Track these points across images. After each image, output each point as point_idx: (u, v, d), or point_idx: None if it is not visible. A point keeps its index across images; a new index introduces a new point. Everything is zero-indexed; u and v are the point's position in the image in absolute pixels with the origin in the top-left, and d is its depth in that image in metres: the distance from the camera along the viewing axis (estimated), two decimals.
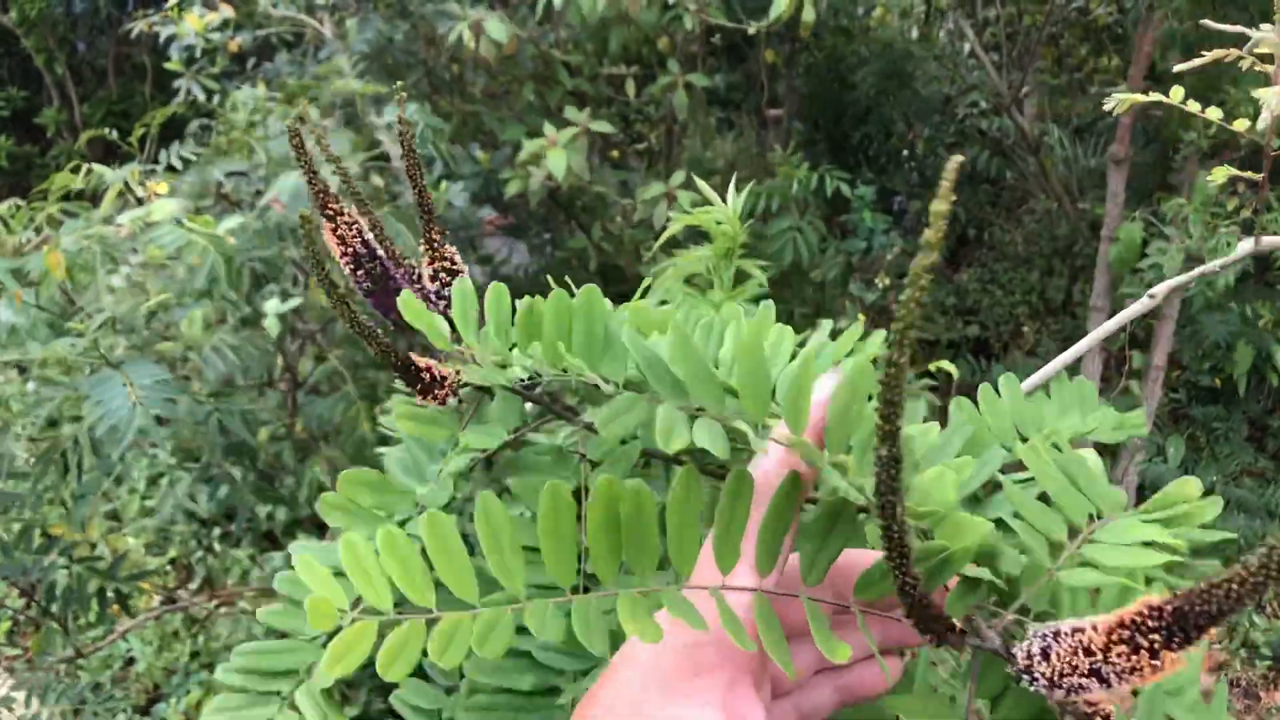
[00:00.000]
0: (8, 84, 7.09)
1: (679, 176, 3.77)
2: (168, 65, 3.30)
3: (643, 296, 1.66)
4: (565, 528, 0.55)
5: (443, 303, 0.71)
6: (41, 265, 1.80)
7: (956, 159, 0.40)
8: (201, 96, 3.44)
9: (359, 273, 0.69)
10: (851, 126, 6.23)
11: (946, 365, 2.60)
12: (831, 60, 6.13)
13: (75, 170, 2.09)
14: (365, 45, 3.39)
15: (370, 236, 0.69)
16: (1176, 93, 1.23)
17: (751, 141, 7.26)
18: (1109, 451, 4.11)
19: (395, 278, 0.70)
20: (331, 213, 0.67)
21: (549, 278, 0.86)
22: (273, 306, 1.88)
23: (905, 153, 6.41)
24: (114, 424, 1.40)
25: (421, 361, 0.65)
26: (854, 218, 4.11)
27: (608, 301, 0.71)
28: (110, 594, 1.99)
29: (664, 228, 3.68)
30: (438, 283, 0.71)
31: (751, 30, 3.58)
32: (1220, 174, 3.31)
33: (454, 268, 0.71)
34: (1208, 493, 0.57)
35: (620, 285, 4.67)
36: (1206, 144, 3.41)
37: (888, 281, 3.95)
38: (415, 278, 0.72)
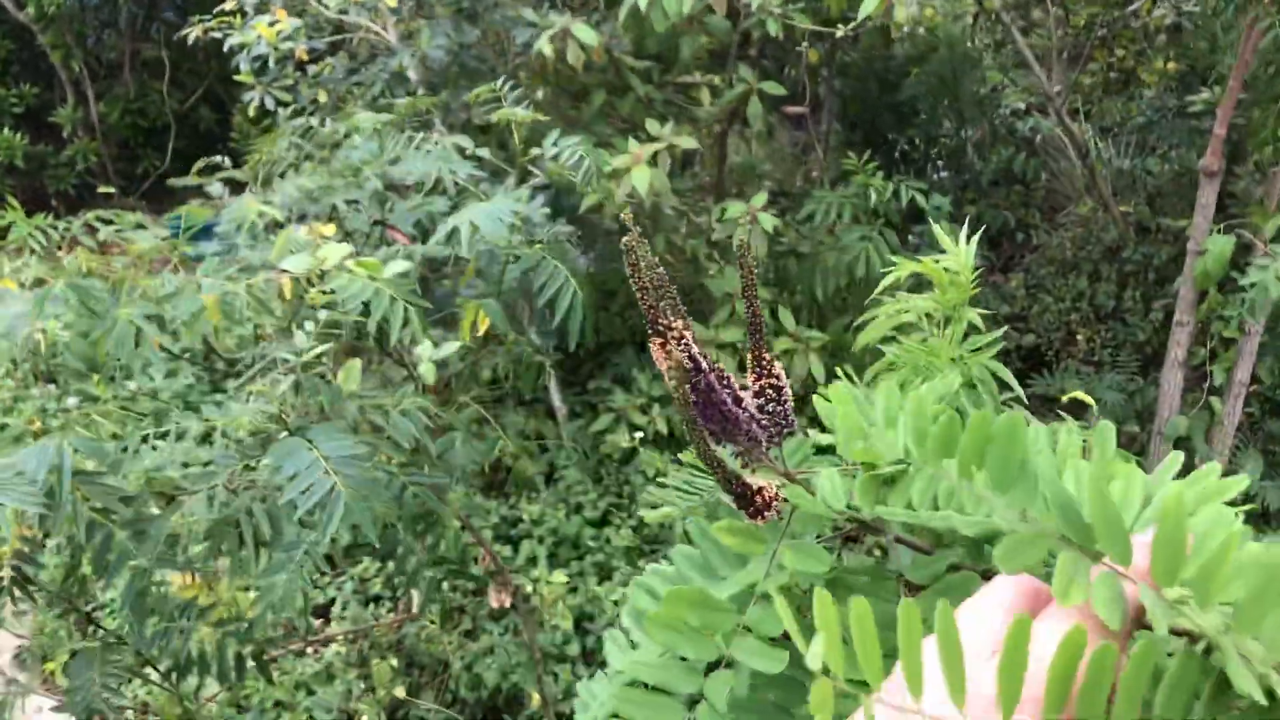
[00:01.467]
0: (20, 81, 6.87)
1: (761, 198, 3.64)
2: (238, 77, 3.14)
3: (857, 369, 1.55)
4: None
5: (764, 419, 0.71)
6: (186, 310, 1.66)
7: None
8: (271, 105, 3.29)
9: (686, 388, 0.67)
10: (890, 128, 6.12)
11: (1083, 396, 2.49)
12: (869, 60, 6.01)
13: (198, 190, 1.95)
14: (441, 52, 3.25)
15: (696, 351, 0.69)
16: None
17: (783, 142, 7.16)
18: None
19: (718, 391, 0.69)
20: (663, 328, 0.67)
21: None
22: (426, 351, 1.75)
23: (938, 156, 6.32)
24: (319, 503, 1.27)
25: (755, 483, 0.67)
26: (928, 229, 3.99)
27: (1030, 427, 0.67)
28: (249, 658, 1.86)
29: (731, 244, 3.53)
30: (763, 399, 0.71)
31: (840, 33, 3.46)
32: None
33: (779, 384, 0.72)
34: None
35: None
36: None
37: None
38: (736, 394, 0.71)
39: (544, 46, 3.14)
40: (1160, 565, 0.46)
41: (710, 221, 3.93)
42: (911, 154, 6.11)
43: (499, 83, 2.03)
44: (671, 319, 0.68)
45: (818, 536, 0.73)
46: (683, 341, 0.68)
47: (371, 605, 3.37)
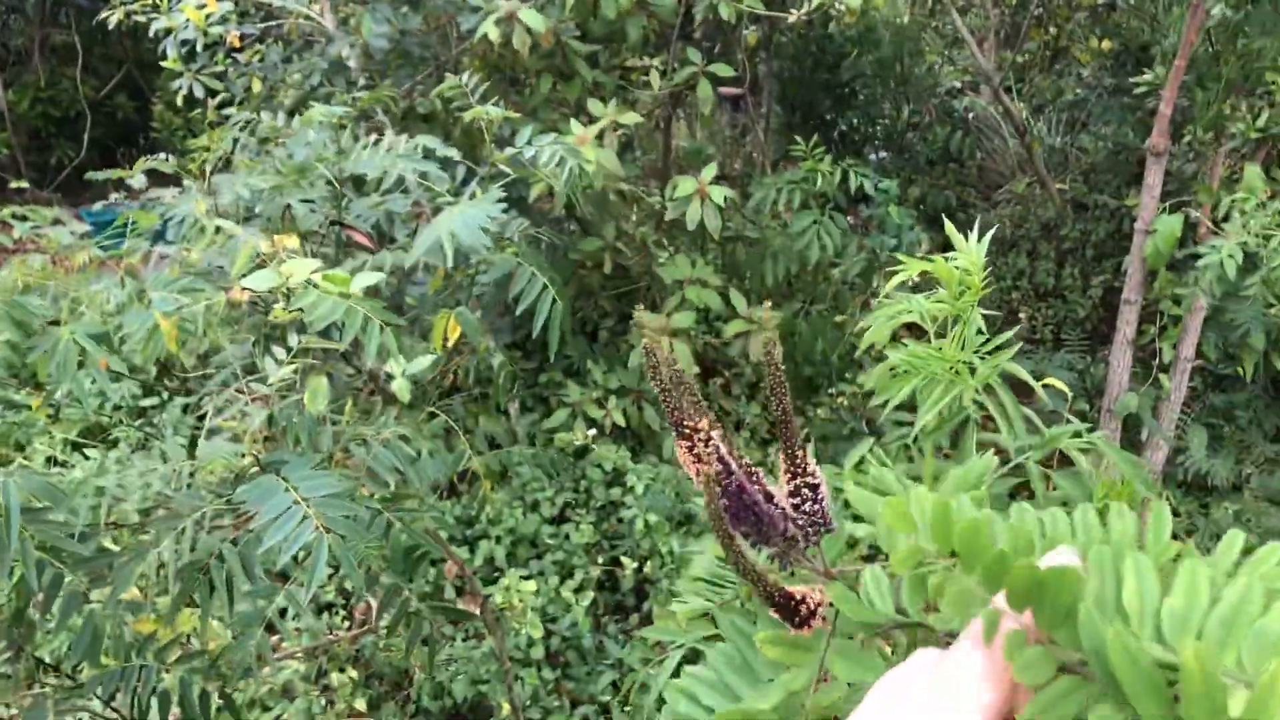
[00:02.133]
0: None
1: (710, 170, 3.57)
2: (165, 63, 2.97)
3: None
4: None
5: (801, 519, 0.69)
6: (137, 329, 1.54)
7: None
8: (200, 94, 3.12)
9: (717, 491, 0.66)
10: (829, 109, 6.09)
11: (1056, 384, 2.47)
12: (806, 41, 5.97)
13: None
14: (383, 40, 3.11)
15: (725, 451, 0.67)
16: None
17: (723, 124, 7.10)
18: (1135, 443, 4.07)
19: (749, 492, 0.67)
20: (688, 430, 0.66)
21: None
22: (398, 367, 1.65)
23: (875, 137, 6.32)
24: (304, 548, 1.17)
25: (798, 592, 0.64)
26: (879, 212, 3.96)
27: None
28: (215, 696, 1.76)
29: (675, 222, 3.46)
30: (798, 499, 0.68)
31: (792, 19, 3.39)
32: (1253, 173, 3.21)
33: (814, 483, 0.69)
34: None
35: (625, 283, 4.48)
36: (1255, 135, 3.35)
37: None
38: (767, 491, 0.69)
39: (489, 31, 3.02)
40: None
41: (659, 207, 3.85)
42: (851, 135, 6.10)
43: (464, 77, 1.92)
44: (696, 419, 0.66)
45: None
46: (710, 442, 0.66)
47: (325, 614, 3.26)
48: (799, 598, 0.64)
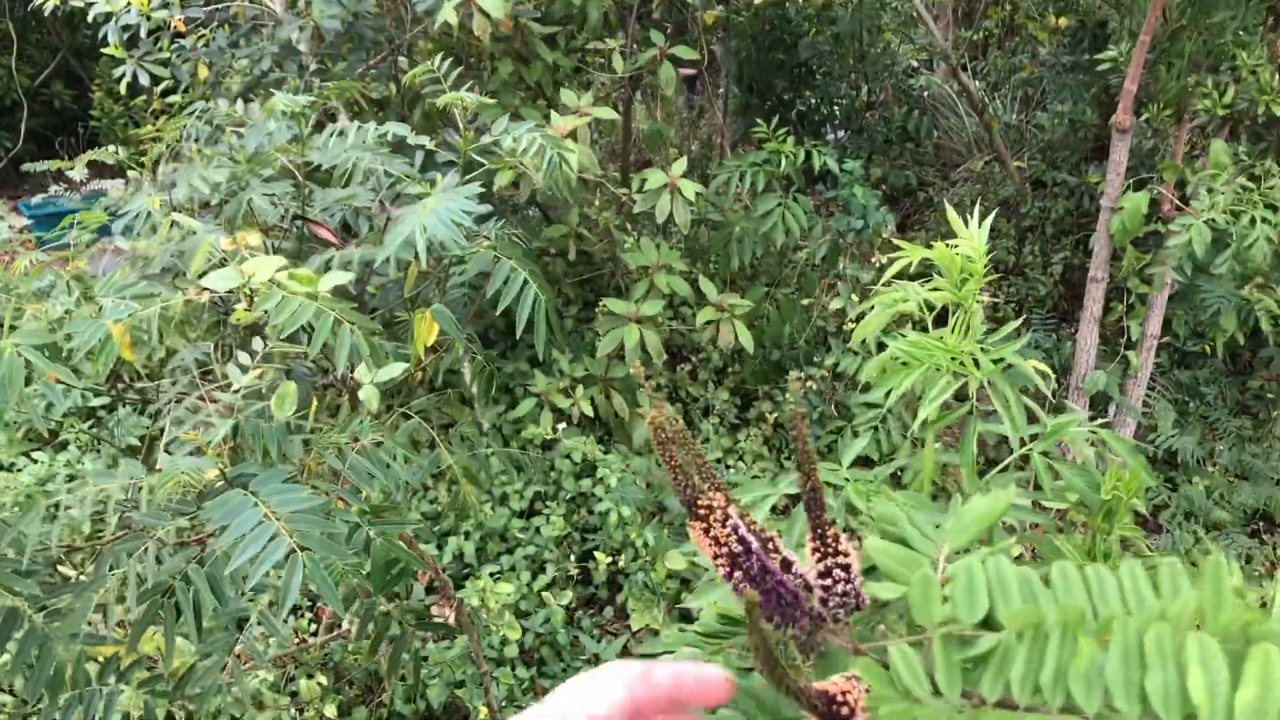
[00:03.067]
0: None
1: (680, 166, 3.50)
2: (108, 50, 2.83)
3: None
4: None
5: (833, 600, 0.64)
6: (88, 339, 1.44)
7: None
8: (145, 81, 2.99)
9: (735, 574, 0.62)
10: (787, 89, 6.04)
11: (1041, 367, 2.44)
12: (764, 21, 5.90)
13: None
14: (335, 23, 3.00)
15: (745, 530, 0.62)
16: None
17: (680, 105, 7.02)
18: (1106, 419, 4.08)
19: (774, 573, 0.63)
20: (703, 512, 0.62)
21: None
22: (368, 373, 1.56)
23: (833, 117, 6.28)
24: (275, 567, 1.09)
25: (835, 689, 0.58)
26: (842, 193, 3.92)
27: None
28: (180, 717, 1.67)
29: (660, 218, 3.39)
30: (829, 580, 0.64)
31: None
32: (1220, 149, 3.21)
33: (847, 563, 0.64)
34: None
35: (588, 270, 4.40)
36: (1222, 112, 3.34)
37: (884, 260, 3.78)
38: (785, 561, 0.65)
39: (448, 16, 2.92)
40: None
41: (622, 191, 3.77)
42: (809, 115, 6.05)
43: (436, 60, 1.83)
44: (711, 495, 0.62)
45: None
46: (728, 522, 0.62)
47: (292, 618, 3.16)
48: (839, 698, 0.59)
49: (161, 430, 1.40)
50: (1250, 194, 3.17)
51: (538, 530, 3.47)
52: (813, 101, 6.04)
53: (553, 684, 3.10)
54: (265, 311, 1.33)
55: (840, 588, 0.64)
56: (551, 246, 3.97)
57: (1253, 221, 3.19)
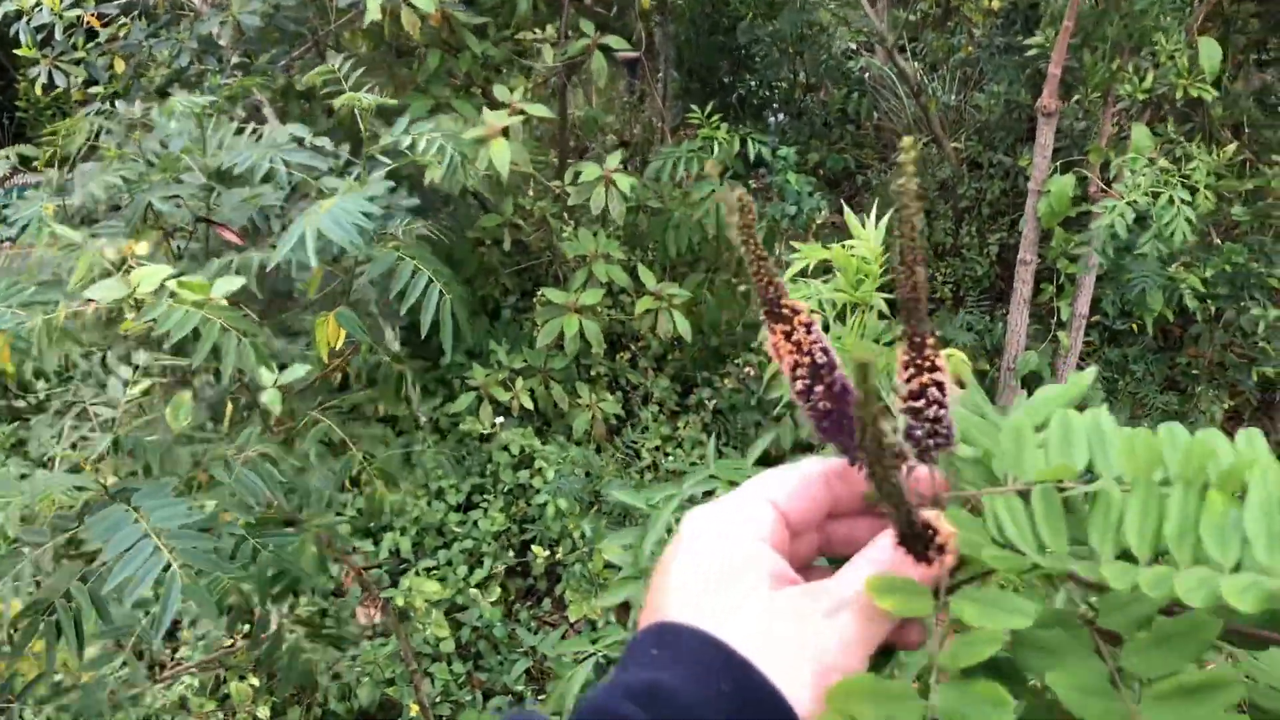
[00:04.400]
0: None
1: (615, 158, 3.49)
2: (20, 51, 2.77)
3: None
4: None
5: (920, 428, 0.54)
6: None
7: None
8: (61, 82, 2.93)
9: (815, 389, 0.54)
10: (727, 73, 6.04)
11: (958, 354, 2.47)
12: (703, 4, 5.90)
13: None
14: (256, 18, 2.95)
15: (829, 343, 0.54)
16: None
17: (621, 90, 7.00)
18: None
19: (854, 394, 0.51)
20: (785, 312, 0.53)
21: None
22: (269, 377, 1.55)
23: (773, 101, 6.29)
24: (153, 583, 1.08)
25: (932, 518, 0.51)
26: (776, 179, 3.93)
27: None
28: None
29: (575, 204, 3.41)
30: (920, 401, 0.53)
31: None
32: (1141, 132, 3.25)
33: (941, 382, 0.53)
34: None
35: (526, 259, 4.38)
36: (1142, 96, 3.39)
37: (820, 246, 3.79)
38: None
39: (374, 14, 2.87)
40: None
41: (557, 181, 3.75)
42: (750, 99, 6.06)
43: (338, 61, 1.81)
44: (791, 301, 0.53)
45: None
46: (811, 328, 0.53)
47: (223, 617, 3.13)
48: (934, 527, 0.51)
49: (23, 441, 1.38)
50: (1170, 175, 3.23)
51: (475, 524, 3.46)
52: (752, 85, 6.05)
53: (489, 678, 3.10)
54: (150, 321, 1.31)
55: (933, 412, 0.54)
56: (487, 237, 3.94)
57: (1171, 201, 3.24)
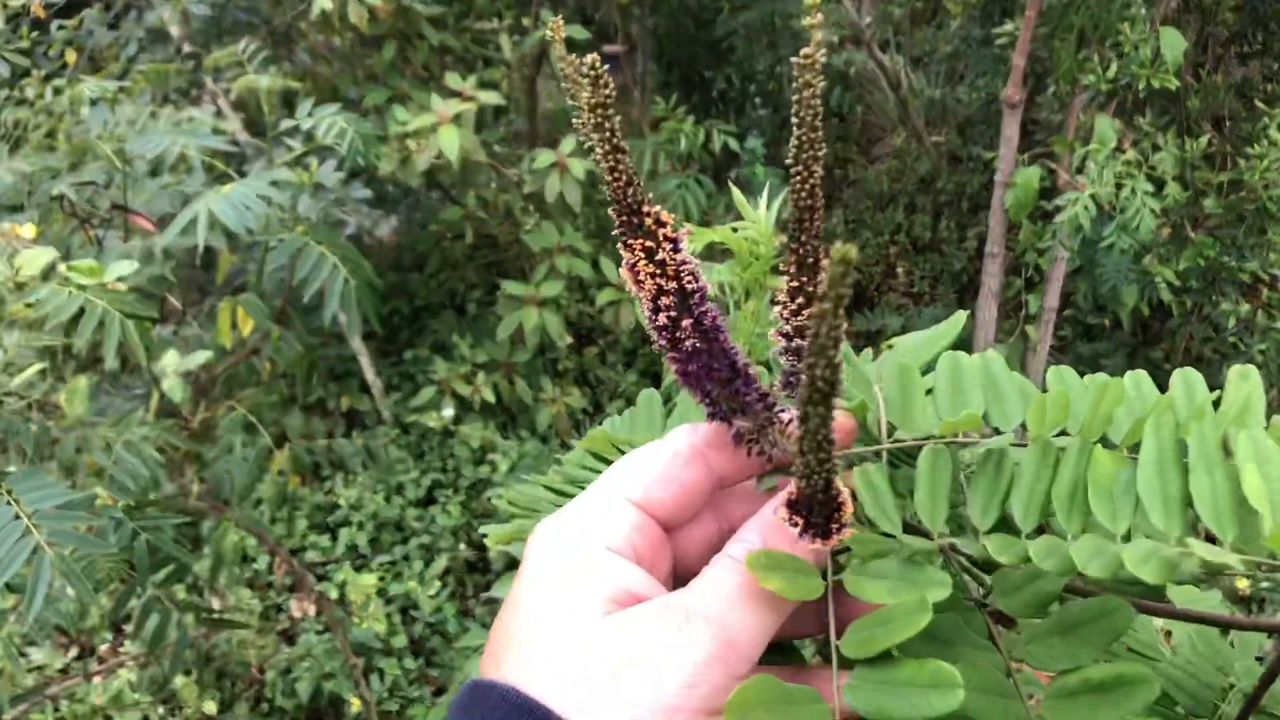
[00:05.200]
0: None
1: (569, 143, 3.46)
2: None
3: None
4: None
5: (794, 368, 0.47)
6: None
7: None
8: (4, 73, 2.89)
9: (683, 323, 0.44)
10: (707, 66, 6.01)
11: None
12: None
13: None
14: (205, 7, 2.92)
15: (699, 267, 0.45)
16: None
17: None
18: None
19: (723, 332, 0.46)
20: (647, 224, 0.44)
21: None
22: (172, 362, 1.52)
23: (757, 97, 6.26)
24: (24, 564, 1.05)
25: (840, 488, 0.43)
26: (744, 172, 3.90)
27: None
28: None
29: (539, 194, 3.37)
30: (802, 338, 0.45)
31: None
32: (1105, 123, 3.22)
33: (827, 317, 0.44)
34: None
35: (492, 253, 4.35)
36: (1106, 87, 3.36)
37: (784, 238, 3.76)
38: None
39: (324, 3, 2.84)
40: None
41: (513, 172, 3.72)
42: (730, 92, 6.03)
43: (241, 45, 1.78)
44: (654, 209, 0.44)
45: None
46: (678, 246, 0.44)
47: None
48: (839, 495, 0.42)
49: None
50: (1132, 167, 3.19)
51: (434, 519, 3.43)
52: (731, 78, 6.02)
53: (442, 674, 3.07)
54: (29, 305, 1.28)
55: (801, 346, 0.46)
56: (449, 230, 3.91)
57: (1133, 193, 3.21)
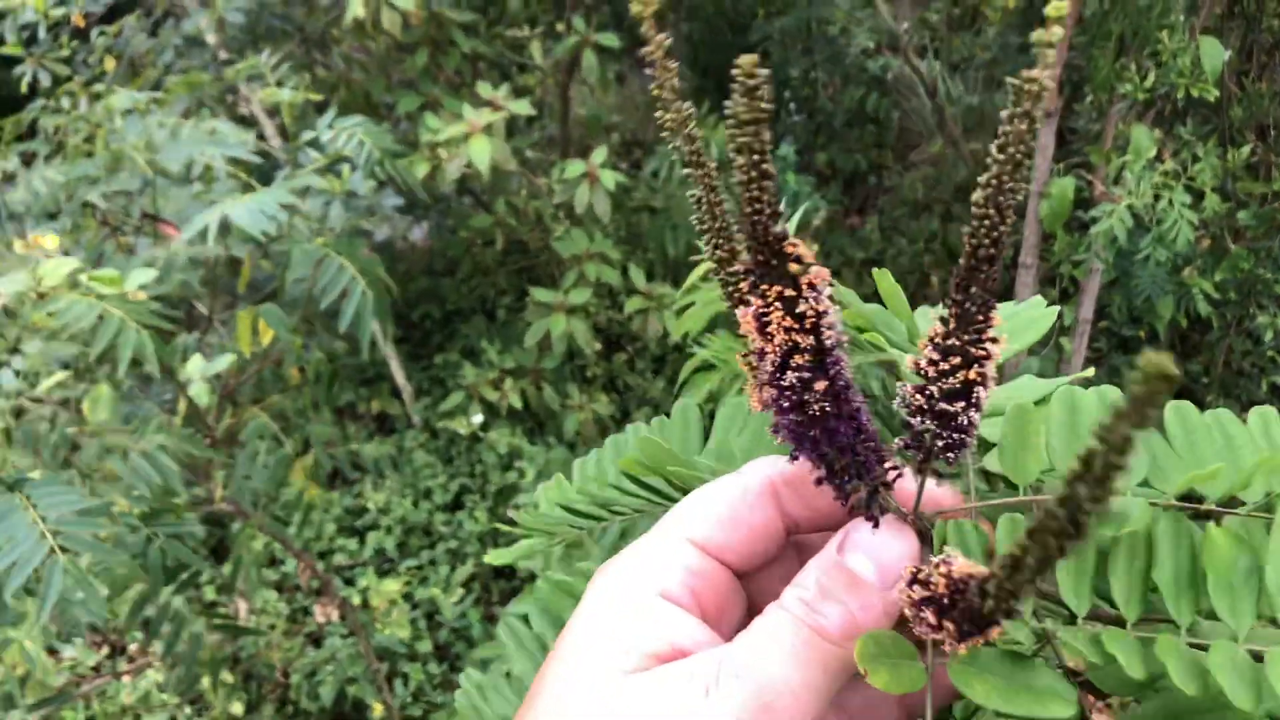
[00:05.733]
0: None
1: (601, 153, 3.46)
2: (4, 49, 2.80)
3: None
4: None
5: (945, 437, 0.40)
6: None
7: None
8: (46, 80, 2.95)
9: (813, 385, 0.38)
10: None
11: None
12: (719, 2, 5.86)
13: None
14: (240, 14, 2.95)
15: (833, 313, 0.38)
16: None
17: (636, 89, 6.98)
18: None
19: (853, 390, 0.40)
20: (786, 266, 0.37)
21: None
22: (197, 367, 1.54)
23: (792, 103, 6.23)
24: (38, 570, 1.07)
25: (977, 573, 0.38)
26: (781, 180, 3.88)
27: None
28: None
29: (569, 206, 3.38)
30: (960, 405, 0.39)
31: None
32: (1142, 133, 3.17)
33: (987, 377, 0.39)
34: None
35: (523, 259, 4.36)
36: (1143, 96, 3.31)
37: (815, 247, 3.75)
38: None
39: (356, 11, 2.87)
40: None
41: (543, 181, 3.73)
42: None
43: (264, 56, 1.80)
44: (797, 246, 0.38)
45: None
46: (819, 296, 0.38)
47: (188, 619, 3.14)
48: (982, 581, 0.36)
49: None
50: (1170, 178, 3.14)
51: (460, 524, 3.45)
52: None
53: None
54: (50, 314, 1.30)
55: (965, 419, 0.40)
56: (479, 237, 3.93)
57: (1170, 204, 3.16)
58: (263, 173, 2.14)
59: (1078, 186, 3.59)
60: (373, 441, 3.54)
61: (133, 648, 2.80)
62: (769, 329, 0.38)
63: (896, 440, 0.43)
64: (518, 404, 3.76)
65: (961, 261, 0.39)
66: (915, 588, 0.37)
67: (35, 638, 1.78)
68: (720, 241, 0.48)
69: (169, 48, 3.05)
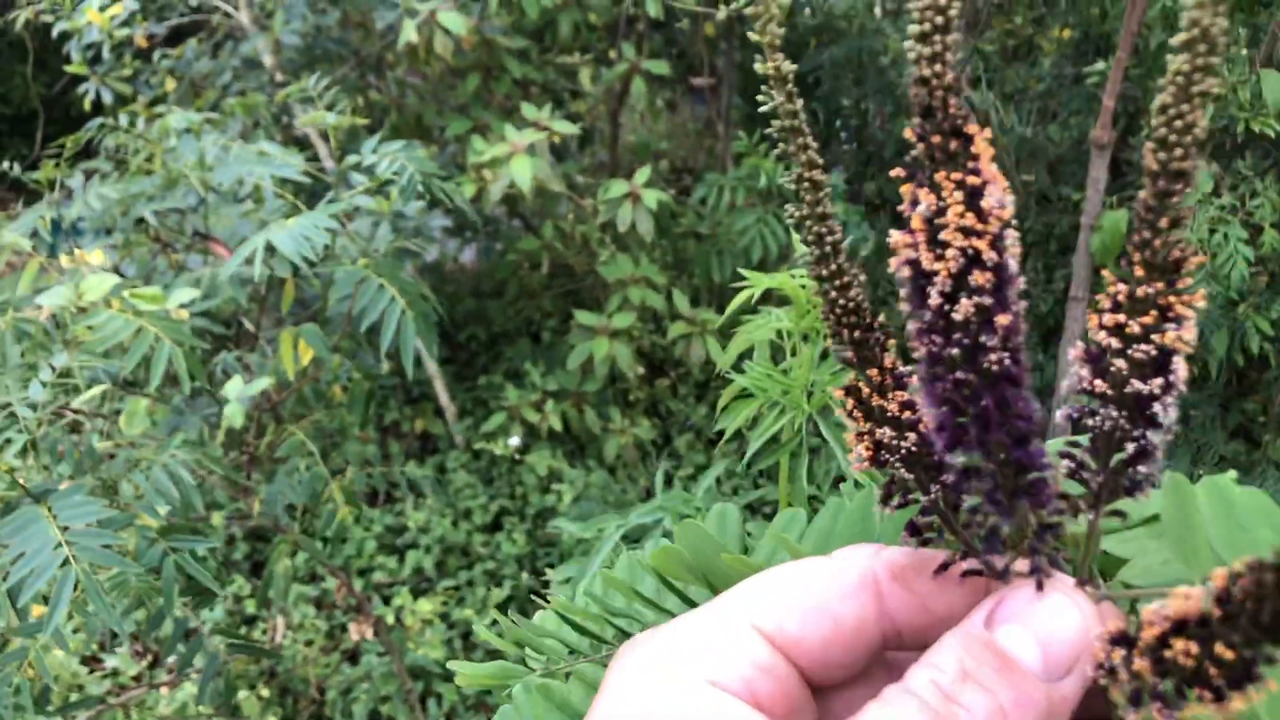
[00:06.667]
0: None
1: (644, 173, 3.48)
2: (69, 68, 2.88)
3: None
4: None
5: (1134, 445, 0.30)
6: None
7: None
8: (109, 99, 3.03)
9: (994, 320, 0.30)
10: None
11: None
12: None
13: None
14: (295, 37, 3.02)
15: (1013, 260, 0.30)
16: None
17: (687, 117, 7.00)
18: None
19: (1019, 370, 0.31)
20: (966, 145, 0.30)
21: None
22: (235, 389, 1.56)
23: (843, 131, 6.22)
24: (51, 580, 1.09)
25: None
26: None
27: None
28: None
29: (610, 225, 3.38)
30: (1142, 385, 0.30)
31: (720, 15, 3.30)
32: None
33: (1181, 345, 0.31)
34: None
35: (569, 282, 4.38)
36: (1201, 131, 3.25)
37: (863, 279, 3.73)
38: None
39: (410, 35, 2.92)
40: None
41: (588, 202, 3.76)
42: (815, 127, 6.00)
43: (312, 80, 1.83)
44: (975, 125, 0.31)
45: None
46: (1002, 199, 0.30)
47: (245, 628, 3.17)
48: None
49: None
50: (1226, 213, 3.09)
51: (499, 546, 3.46)
52: (816, 113, 5.99)
53: (505, 700, 3.08)
54: (89, 328, 1.33)
55: (1155, 409, 0.31)
56: (525, 259, 3.96)
57: (1225, 239, 3.10)
58: (312, 194, 2.18)
59: (1130, 220, 3.54)
60: (411, 462, 3.57)
61: (170, 659, 2.84)
62: (941, 235, 0.30)
63: (1062, 460, 0.32)
64: (558, 426, 3.77)
65: (1147, 185, 0.31)
66: (1118, 650, 0.28)
67: (50, 645, 1.81)
68: (824, 231, 0.38)
69: (227, 69, 3.12)
